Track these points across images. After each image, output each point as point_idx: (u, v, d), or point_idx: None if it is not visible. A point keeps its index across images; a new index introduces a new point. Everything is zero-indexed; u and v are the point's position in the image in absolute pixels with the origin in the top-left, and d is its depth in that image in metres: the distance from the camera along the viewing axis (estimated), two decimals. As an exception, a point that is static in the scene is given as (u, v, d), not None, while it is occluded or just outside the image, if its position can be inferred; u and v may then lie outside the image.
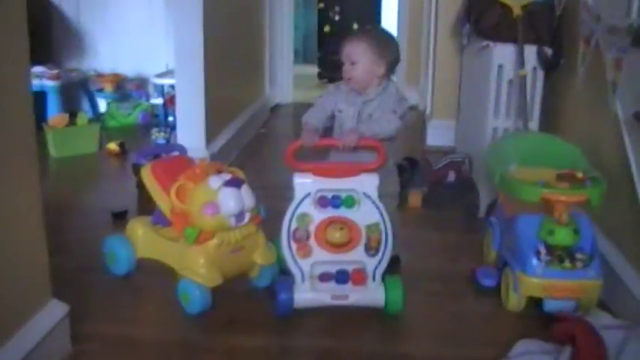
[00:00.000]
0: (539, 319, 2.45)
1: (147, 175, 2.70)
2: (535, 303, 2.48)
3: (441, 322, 2.52)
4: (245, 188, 2.42)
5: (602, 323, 2.14)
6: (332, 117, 2.70)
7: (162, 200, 2.60)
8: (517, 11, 3.40)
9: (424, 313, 2.57)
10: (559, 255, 2.41)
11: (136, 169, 3.89)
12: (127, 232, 2.80)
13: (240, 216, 2.41)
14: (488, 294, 2.68)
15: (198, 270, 2.42)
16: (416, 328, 2.46)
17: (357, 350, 2.30)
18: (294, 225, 2.41)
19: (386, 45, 2.64)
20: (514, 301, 2.51)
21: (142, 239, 2.75)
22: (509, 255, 2.60)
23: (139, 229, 2.77)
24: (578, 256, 2.41)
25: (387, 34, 2.75)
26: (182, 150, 3.00)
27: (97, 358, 2.23)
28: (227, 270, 2.47)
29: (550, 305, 2.44)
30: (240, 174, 2.55)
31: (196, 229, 2.40)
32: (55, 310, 2.13)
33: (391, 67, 2.65)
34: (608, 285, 2.47)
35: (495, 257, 2.83)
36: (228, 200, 2.36)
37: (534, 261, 2.42)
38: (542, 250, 2.42)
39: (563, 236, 2.42)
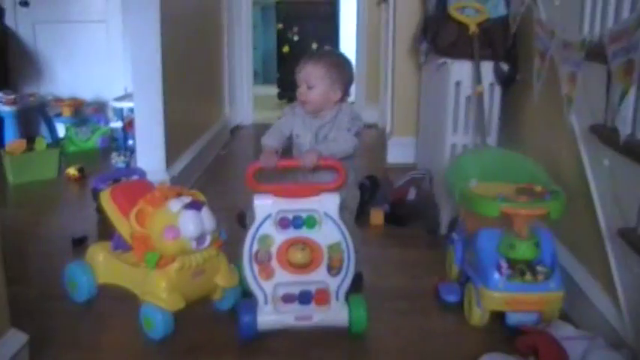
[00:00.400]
0: (502, 333, 2.47)
1: (106, 200, 2.68)
2: (498, 317, 2.50)
3: (405, 339, 2.52)
4: (205, 211, 2.40)
5: (564, 334, 2.16)
6: (290, 138, 2.69)
7: (122, 225, 2.58)
8: (473, 28, 3.44)
9: (389, 331, 2.56)
10: (520, 268, 2.43)
11: (96, 193, 3.85)
12: (87, 258, 2.77)
13: (201, 239, 2.40)
14: (452, 310, 2.69)
15: (159, 294, 2.40)
16: (381, 345, 2.46)
17: (323, 370, 2.30)
18: (255, 247, 2.38)
19: (343, 69, 2.64)
20: (477, 316, 2.52)
21: (102, 265, 2.72)
22: (472, 270, 2.61)
23: (99, 254, 2.74)
24: (540, 269, 2.44)
25: (343, 58, 2.74)
26: (141, 174, 2.98)
27: (59, 387, 2.20)
28: (189, 294, 2.45)
29: (513, 319, 2.45)
30: (201, 196, 2.53)
31: (156, 253, 2.38)
32: (14, 340, 2.09)
33: (346, 90, 2.65)
34: (570, 297, 2.50)
35: (458, 273, 2.85)
36: (188, 223, 2.34)
37: (496, 275, 2.44)
38: (504, 265, 2.44)
39: (524, 250, 2.45)
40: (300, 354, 2.37)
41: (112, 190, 2.69)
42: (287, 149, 2.69)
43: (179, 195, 2.43)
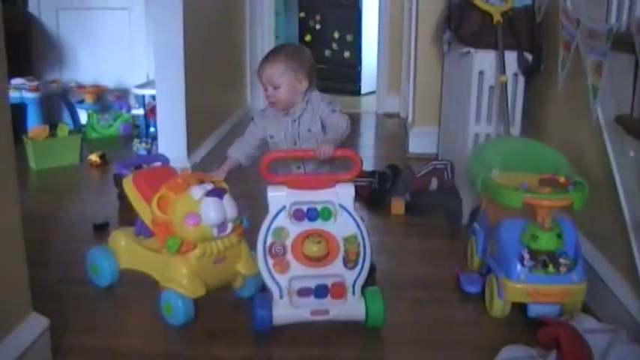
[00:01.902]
0: (523, 325, 2.45)
1: (128, 185, 2.68)
2: (519, 308, 2.48)
3: (425, 329, 2.51)
4: (227, 198, 2.39)
5: (586, 327, 2.14)
6: (264, 144, 2.66)
7: (144, 211, 2.58)
8: (497, 17, 3.41)
9: (409, 321, 2.56)
10: (543, 260, 2.41)
11: (118, 180, 3.87)
12: (110, 244, 2.78)
13: (222, 226, 2.39)
14: (473, 300, 2.67)
15: (180, 281, 2.40)
16: (401, 335, 2.44)
17: (342, 358, 2.29)
18: (269, 240, 2.34)
19: (300, 59, 2.57)
20: (498, 307, 2.51)
21: (124, 250, 2.73)
22: (493, 261, 2.59)
23: (121, 240, 2.75)
24: (562, 260, 2.41)
25: (297, 48, 2.68)
26: (164, 160, 2.98)
27: (81, 371, 2.21)
28: (210, 281, 2.45)
29: (534, 310, 2.43)
30: (223, 184, 2.53)
31: (178, 239, 2.38)
32: (36, 324, 2.10)
33: (311, 77, 2.57)
34: (593, 289, 2.48)
35: (479, 263, 2.83)
36: (209, 211, 2.34)
37: (518, 266, 2.42)
38: (526, 256, 2.42)
39: (546, 241, 2.42)
40: (317, 343, 2.36)
41: (134, 176, 2.70)
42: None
43: (201, 182, 2.43)
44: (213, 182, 2.47)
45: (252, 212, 2.58)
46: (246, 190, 2.58)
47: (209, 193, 2.37)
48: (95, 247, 2.84)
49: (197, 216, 2.34)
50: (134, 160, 3.32)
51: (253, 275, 2.53)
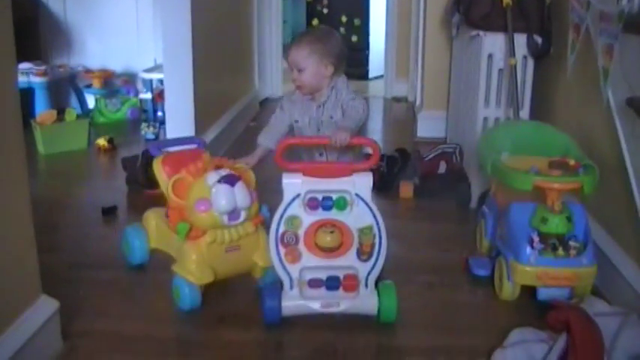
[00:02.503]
0: (533, 308, 2.45)
1: (157, 166, 2.66)
2: (529, 292, 2.48)
3: (435, 313, 2.51)
4: (240, 186, 2.34)
5: (596, 310, 2.13)
6: (292, 130, 2.64)
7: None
8: (507, 0, 3.39)
9: (418, 304, 2.56)
10: (552, 243, 2.41)
11: (126, 164, 3.89)
12: (143, 222, 2.79)
13: (233, 214, 2.36)
14: (482, 284, 2.67)
15: (189, 266, 2.40)
16: (411, 319, 2.43)
17: (352, 343, 2.29)
18: (282, 228, 2.29)
19: (328, 43, 2.53)
20: (508, 291, 2.50)
21: (154, 230, 2.73)
22: (503, 244, 2.59)
23: (152, 219, 2.75)
24: (572, 243, 2.41)
25: (326, 32, 2.65)
26: (200, 143, 2.89)
27: (90, 354, 2.21)
28: (222, 269, 2.44)
29: (544, 294, 2.43)
30: (246, 171, 2.50)
31: (187, 224, 2.38)
32: (45, 307, 2.11)
33: (338, 63, 2.54)
34: (602, 272, 2.47)
35: (488, 247, 2.83)
36: (220, 198, 2.31)
37: (527, 249, 2.42)
38: (536, 239, 2.42)
39: (556, 224, 2.42)
40: (327, 327, 2.35)
41: (164, 158, 2.67)
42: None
43: (218, 168, 2.41)
44: (234, 168, 2.44)
45: (266, 198, 2.55)
46: (256, 175, 2.55)
47: (221, 180, 2.34)
48: (130, 225, 2.85)
49: (208, 202, 2.32)
50: (169, 141, 3.30)
51: (271, 266, 2.46)
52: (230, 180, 2.34)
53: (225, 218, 2.35)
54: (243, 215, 2.38)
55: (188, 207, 2.37)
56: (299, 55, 2.50)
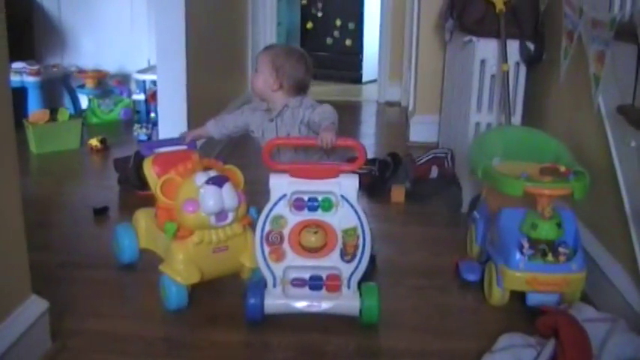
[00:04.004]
0: (522, 313, 2.46)
1: (148, 167, 2.66)
2: (518, 297, 2.49)
3: (424, 317, 2.51)
4: (227, 187, 2.36)
5: (585, 316, 2.15)
6: (241, 132, 2.79)
7: (159, 193, 2.57)
8: (500, 6, 3.40)
9: (408, 308, 2.56)
10: (542, 249, 2.42)
11: (118, 164, 3.88)
12: (133, 222, 2.80)
13: (221, 215, 2.37)
14: (472, 288, 2.68)
15: (176, 266, 2.41)
16: (400, 322, 2.45)
17: (341, 344, 2.30)
18: (267, 227, 2.31)
19: (290, 65, 2.59)
20: (497, 295, 2.51)
21: (144, 230, 2.74)
22: (493, 249, 2.60)
23: (142, 219, 2.76)
24: (562, 249, 2.42)
25: (297, 55, 2.65)
26: (191, 145, 2.86)
27: (80, 354, 2.21)
28: (209, 269, 2.45)
29: (533, 299, 2.44)
30: (232, 172, 2.51)
31: (175, 224, 2.39)
32: (35, 306, 2.10)
33: (288, 86, 2.59)
34: (592, 278, 2.48)
35: (479, 252, 2.84)
36: (207, 199, 2.33)
37: (517, 255, 2.42)
38: (525, 244, 2.42)
39: (546, 230, 2.43)
40: (315, 329, 2.36)
41: (154, 158, 2.67)
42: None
43: (207, 169, 2.41)
44: (223, 170, 2.46)
45: (251, 198, 2.56)
46: (248, 176, 2.56)
47: (209, 181, 2.35)
48: (120, 224, 2.86)
49: (196, 203, 2.34)
50: (161, 142, 3.29)
51: (258, 267, 2.47)
52: (218, 181, 2.36)
53: (213, 219, 2.37)
54: (230, 216, 2.40)
55: (176, 207, 2.38)
56: (261, 58, 2.63)
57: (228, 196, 2.36)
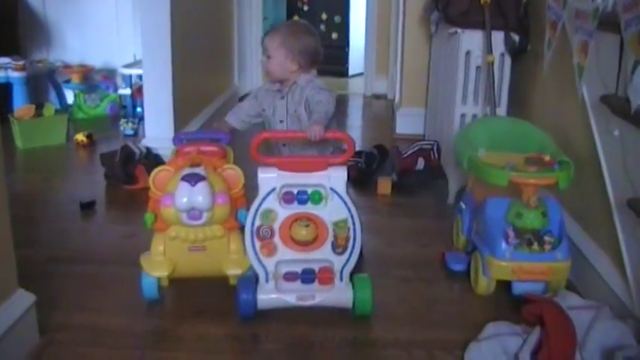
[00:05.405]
0: (508, 302, 2.47)
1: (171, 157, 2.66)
2: (504, 286, 2.50)
3: (411, 307, 2.53)
4: (201, 186, 2.27)
5: (570, 304, 2.16)
6: (259, 116, 2.74)
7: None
8: (485, -2, 3.41)
9: (395, 299, 2.57)
10: (527, 238, 2.43)
11: (104, 159, 3.88)
12: None
13: (192, 214, 2.30)
14: (458, 278, 2.70)
15: (149, 258, 2.42)
16: (387, 313, 2.46)
17: (328, 336, 2.30)
18: (257, 222, 2.30)
19: (300, 40, 2.59)
20: (483, 285, 2.53)
21: None
22: (479, 239, 2.61)
23: None
24: (547, 238, 2.43)
25: (303, 29, 2.67)
26: (224, 139, 2.78)
27: (68, 348, 2.21)
28: (185, 267, 2.43)
29: (519, 288, 2.46)
30: (231, 172, 2.45)
31: (153, 215, 2.39)
32: (22, 301, 2.11)
33: (305, 61, 2.59)
34: (576, 267, 2.50)
35: (465, 242, 2.85)
36: (179, 195, 2.27)
37: (503, 244, 2.44)
38: (511, 234, 2.44)
39: (531, 219, 2.44)
40: (304, 321, 2.37)
41: (177, 150, 2.65)
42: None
43: (196, 165, 2.36)
44: (220, 166, 2.43)
45: (248, 195, 2.54)
46: (248, 173, 2.52)
47: (184, 177, 2.29)
48: None
49: (172, 197, 2.29)
50: (192, 133, 3.28)
51: (240, 274, 2.44)
52: (191, 179, 2.28)
53: (185, 216, 2.31)
54: (205, 217, 2.32)
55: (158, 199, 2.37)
56: (271, 43, 2.60)
57: (200, 196, 2.27)
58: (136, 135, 4.90)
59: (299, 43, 2.58)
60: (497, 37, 3.43)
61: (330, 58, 8.30)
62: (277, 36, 2.59)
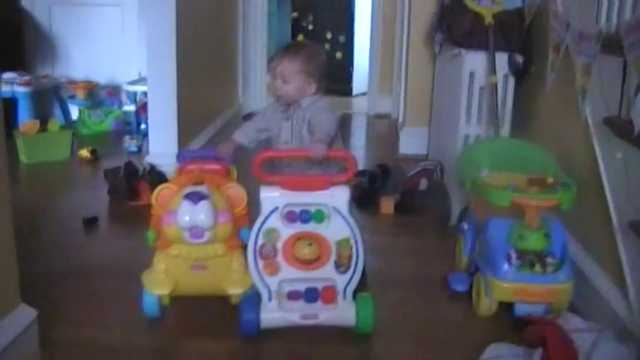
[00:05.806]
0: (510, 324, 2.46)
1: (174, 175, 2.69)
2: (506, 308, 2.50)
3: (413, 327, 2.52)
4: (203, 205, 2.26)
5: (572, 326, 2.15)
6: (268, 132, 2.73)
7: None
8: (489, 19, 3.42)
9: (397, 318, 2.57)
10: (530, 259, 2.43)
11: (107, 175, 3.88)
12: None
13: (194, 232, 2.29)
14: (460, 299, 2.69)
15: (151, 275, 2.42)
16: (389, 332, 2.45)
17: (330, 355, 2.30)
18: (260, 241, 2.30)
19: (317, 64, 2.60)
20: (485, 306, 2.52)
21: None
22: (481, 260, 2.61)
23: None
24: (549, 260, 2.43)
25: (317, 51, 2.70)
26: (227, 160, 2.81)
27: (68, 364, 2.21)
28: (187, 285, 2.43)
29: (521, 310, 2.45)
30: (235, 190, 2.46)
31: (155, 233, 2.39)
32: (23, 315, 2.11)
33: (320, 82, 2.60)
34: (579, 289, 2.49)
35: (467, 263, 2.84)
36: (181, 213, 2.26)
37: (505, 266, 2.43)
38: (513, 255, 2.43)
39: (534, 241, 2.44)
40: (305, 339, 2.36)
41: (181, 167, 2.67)
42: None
43: (199, 183, 2.36)
44: (222, 185, 2.43)
45: (251, 213, 2.54)
46: (250, 190, 2.53)
47: (187, 196, 2.28)
48: None
49: (174, 215, 2.29)
50: (196, 152, 3.30)
51: (242, 293, 2.43)
52: (193, 197, 2.27)
53: (187, 235, 2.30)
54: (207, 235, 2.31)
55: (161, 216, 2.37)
56: (289, 68, 2.55)
57: (202, 215, 2.26)
58: (140, 151, 4.90)
59: (320, 68, 2.59)
60: (501, 58, 3.43)
61: (335, 78, 8.26)
62: (296, 61, 2.55)
